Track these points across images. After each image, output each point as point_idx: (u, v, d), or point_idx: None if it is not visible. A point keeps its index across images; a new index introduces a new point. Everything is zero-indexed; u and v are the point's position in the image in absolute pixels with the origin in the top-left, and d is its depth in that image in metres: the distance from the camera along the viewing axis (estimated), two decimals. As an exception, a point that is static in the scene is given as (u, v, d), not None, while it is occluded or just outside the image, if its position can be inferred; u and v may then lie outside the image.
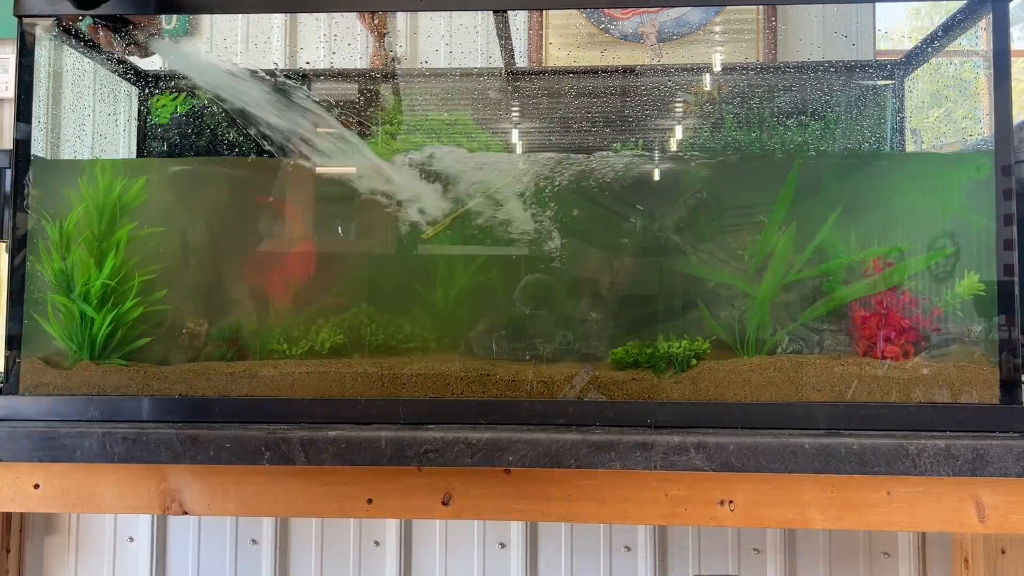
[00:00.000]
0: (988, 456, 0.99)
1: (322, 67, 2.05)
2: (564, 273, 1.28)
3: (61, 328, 1.22)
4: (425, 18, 2.09)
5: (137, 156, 1.54)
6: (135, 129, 1.59)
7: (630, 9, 2.07)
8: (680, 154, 1.43)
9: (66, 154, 1.49)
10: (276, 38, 2.11)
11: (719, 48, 2.07)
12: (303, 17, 2.10)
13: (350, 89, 1.57)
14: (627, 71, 1.64)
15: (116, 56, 1.45)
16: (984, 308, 1.15)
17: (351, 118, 1.35)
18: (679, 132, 1.54)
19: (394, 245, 1.32)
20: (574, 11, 2.09)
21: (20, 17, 1.21)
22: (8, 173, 1.21)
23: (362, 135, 1.35)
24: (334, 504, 1.11)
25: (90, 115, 1.56)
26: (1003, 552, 1.72)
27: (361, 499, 1.11)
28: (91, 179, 1.24)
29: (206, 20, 2.08)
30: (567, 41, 2.11)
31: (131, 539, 2.01)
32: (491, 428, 1.08)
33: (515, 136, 1.61)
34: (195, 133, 1.45)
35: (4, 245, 1.32)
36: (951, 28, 1.32)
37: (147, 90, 1.57)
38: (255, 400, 1.17)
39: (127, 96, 1.59)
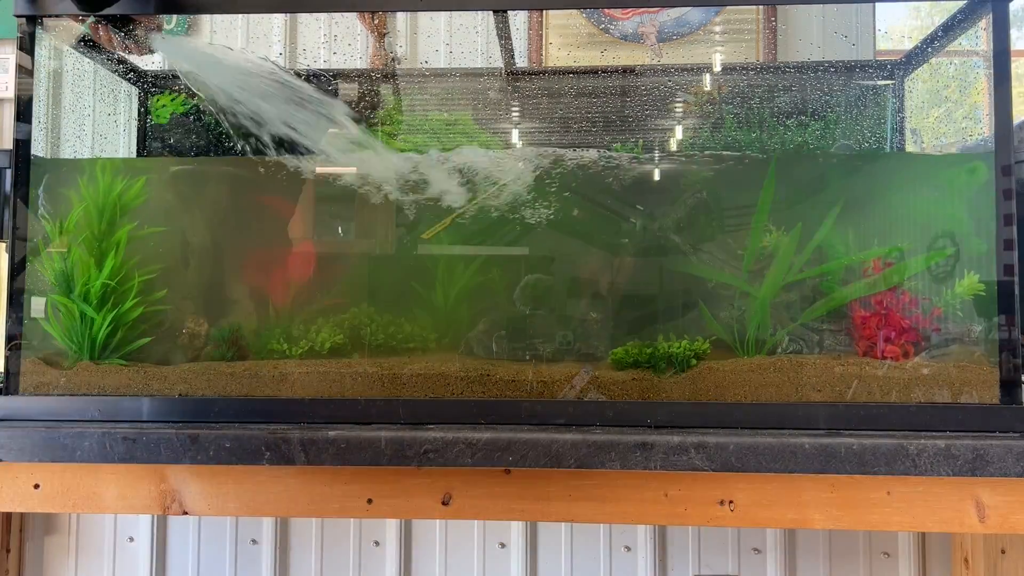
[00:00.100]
0: (988, 456, 0.99)
1: (322, 67, 2.05)
2: (564, 273, 1.28)
3: (61, 328, 1.22)
4: (425, 18, 2.09)
5: (137, 156, 1.54)
6: (135, 129, 1.59)
7: (630, 9, 2.07)
8: (680, 154, 1.43)
9: (66, 154, 1.49)
10: (276, 37, 2.11)
11: (719, 48, 2.07)
12: (303, 17, 2.10)
13: (350, 89, 1.57)
14: (627, 71, 1.64)
15: (116, 56, 1.46)
16: (984, 308, 1.15)
17: (363, 116, 1.34)
18: (679, 132, 1.54)
19: (394, 245, 1.32)
20: (574, 11, 2.09)
21: (20, 17, 1.21)
22: (8, 173, 1.21)
23: (372, 132, 1.35)
24: (334, 504, 1.11)
25: (90, 115, 1.56)
26: (1003, 552, 1.72)
27: (361, 499, 1.11)
28: (91, 178, 1.24)
29: (206, 20, 2.08)
30: (567, 41, 2.11)
31: (131, 539, 2.01)
32: (491, 428, 1.08)
33: (515, 136, 1.61)
34: (194, 132, 1.45)
35: (4, 245, 1.32)
36: (951, 28, 1.32)
37: (148, 90, 1.57)
38: (255, 400, 1.17)
39: (127, 96, 1.59)
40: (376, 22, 1.63)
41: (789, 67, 1.64)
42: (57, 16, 1.24)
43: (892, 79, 1.56)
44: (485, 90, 1.68)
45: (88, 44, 1.36)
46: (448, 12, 2.07)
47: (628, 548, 1.95)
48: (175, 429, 1.06)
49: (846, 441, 1.01)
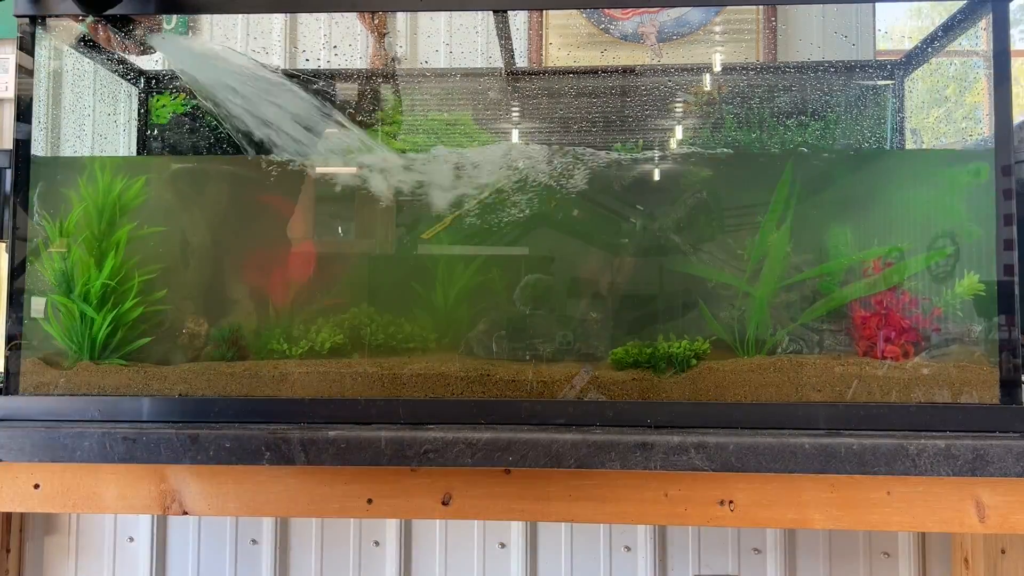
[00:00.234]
0: (988, 456, 0.99)
1: (322, 67, 2.05)
2: (564, 272, 1.28)
3: (61, 328, 1.22)
4: (425, 18, 2.10)
5: (137, 156, 1.54)
6: (135, 129, 1.59)
7: (630, 9, 2.07)
8: (680, 154, 1.43)
9: (66, 154, 1.49)
10: (276, 36, 2.11)
11: (719, 48, 2.07)
12: (303, 17, 2.10)
13: (350, 89, 1.57)
14: (627, 71, 1.64)
15: (116, 56, 1.46)
16: (984, 308, 1.15)
17: (364, 116, 1.34)
18: (679, 132, 1.54)
19: (394, 244, 1.32)
20: (574, 11, 2.09)
21: (20, 17, 1.21)
22: (8, 173, 1.21)
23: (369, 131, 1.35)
24: (334, 504, 1.11)
25: (90, 115, 1.56)
26: (1003, 552, 1.72)
27: (361, 499, 1.11)
28: (90, 178, 1.24)
29: (206, 21, 2.08)
30: (567, 41, 2.11)
31: (131, 539, 2.01)
32: (491, 428, 1.08)
33: (515, 136, 1.61)
34: (194, 132, 1.45)
35: (4, 245, 1.32)
36: (951, 28, 1.32)
37: (149, 90, 1.57)
38: (255, 400, 1.17)
39: (127, 96, 1.59)
40: (376, 22, 1.63)
41: (789, 67, 1.64)
42: (58, 16, 1.24)
43: (892, 79, 1.56)
44: (485, 90, 1.68)
45: (88, 44, 1.36)
46: (448, 12, 2.07)
47: (628, 548, 1.95)
48: (175, 429, 1.06)
49: (846, 441, 1.01)
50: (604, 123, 1.56)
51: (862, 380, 1.14)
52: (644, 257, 1.29)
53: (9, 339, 1.20)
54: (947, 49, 1.38)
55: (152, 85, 1.59)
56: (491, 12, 1.51)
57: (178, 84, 1.58)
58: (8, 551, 1.94)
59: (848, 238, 1.21)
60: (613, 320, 1.26)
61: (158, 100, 1.52)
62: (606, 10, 2.06)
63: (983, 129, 1.26)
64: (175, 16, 1.95)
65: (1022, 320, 1.12)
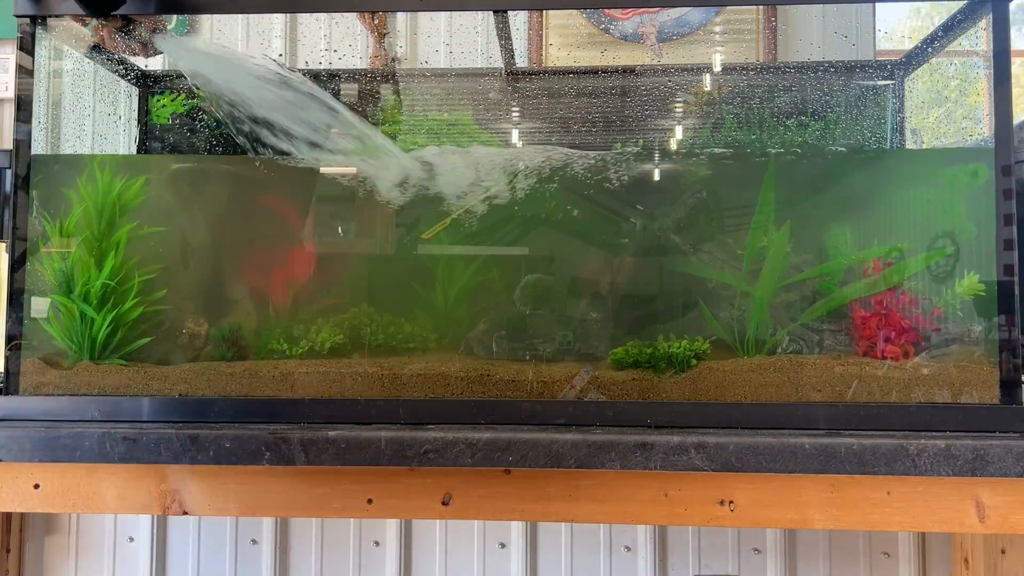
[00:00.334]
0: (988, 456, 0.99)
1: (321, 68, 2.05)
2: (564, 272, 1.28)
3: (61, 328, 1.22)
4: (425, 18, 2.10)
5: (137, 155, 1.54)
6: (135, 129, 1.59)
7: (630, 9, 2.07)
8: (680, 153, 1.43)
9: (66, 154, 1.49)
10: (276, 35, 2.11)
11: (719, 48, 2.07)
12: (303, 18, 2.10)
13: (351, 89, 1.57)
14: (627, 71, 1.64)
15: (116, 56, 1.46)
16: (984, 308, 1.15)
17: (364, 116, 1.34)
18: (679, 132, 1.54)
19: (394, 245, 1.32)
20: (574, 11, 2.09)
21: (20, 17, 1.21)
22: (8, 173, 1.21)
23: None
24: (334, 504, 1.11)
25: (90, 115, 1.56)
26: (1003, 552, 1.72)
27: (361, 499, 1.11)
28: (90, 178, 1.24)
29: (206, 21, 2.08)
30: (567, 41, 2.11)
31: (131, 539, 2.01)
32: (491, 428, 1.08)
33: (515, 136, 1.61)
34: (194, 132, 1.45)
35: (4, 245, 1.32)
36: (951, 28, 1.32)
37: (152, 89, 1.57)
38: (255, 400, 1.17)
39: (127, 96, 1.59)
40: (376, 22, 1.63)
41: (789, 67, 1.63)
42: (58, 16, 1.24)
43: (892, 79, 1.56)
44: (485, 90, 1.68)
45: (91, 47, 1.36)
46: (448, 12, 2.07)
47: (628, 548, 1.95)
48: (175, 429, 1.06)
49: (846, 441, 1.01)
50: (604, 123, 1.56)
51: (862, 380, 1.14)
52: (644, 257, 1.29)
53: (9, 339, 1.20)
54: (947, 49, 1.38)
55: (152, 85, 1.59)
56: (491, 12, 1.51)
57: (179, 84, 1.58)
58: (8, 551, 1.94)
59: (847, 238, 1.21)
60: (613, 320, 1.26)
61: (158, 100, 1.52)
62: (606, 10, 2.06)
63: (983, 129, 1.26)
64: (175, 16, 1.95)
65: (1022, 320, 1.12)
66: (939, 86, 1.51)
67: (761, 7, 2.06)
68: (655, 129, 1.55)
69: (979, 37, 1.28)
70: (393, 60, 1.66)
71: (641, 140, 1.44)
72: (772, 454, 1.01)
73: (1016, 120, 1.14)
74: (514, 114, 1.67)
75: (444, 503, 1.10)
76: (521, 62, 2.09)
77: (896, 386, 1.14)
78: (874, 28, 1.96)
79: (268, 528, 1.98)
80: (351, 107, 1.33)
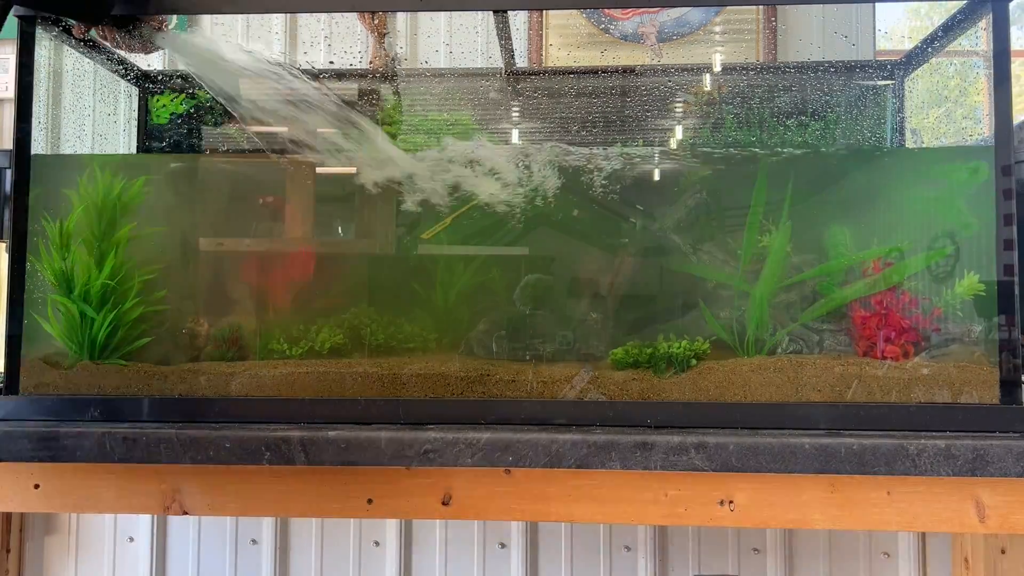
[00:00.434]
0: (988, 456, 0.99)
1: (321, 67, 2.05)
2: (564, 272, 1.28)
3: (61, 328, 1.22)
4: (425, 18, 2.10)
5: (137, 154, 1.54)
6: (135, 128, 1.59)
7: (630, 9, 2.07)
8: (680, 153, 1.43)
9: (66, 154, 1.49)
10: (276, 34, 2.11)
11: (719, 48, 2.07)
12: (303, 18, 2.10)
13: (350, 89, 1.57)
14: (627, 71, 1.64)
15: (116, 56, 1.45)
16: (984, 308, 1.15)
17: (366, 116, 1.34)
18: (679, 132, 1.54)
19: (394, 244, 1.32)
20: (574, 11, 2.09)
21: (20, 17, 1.21)
22: (8, 173, 1.21)
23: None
24: (334, 504, 1.11)
25: (90, 115, 1.56)
26: (1003, 552, 1.72)
27: (361, 499, 1.11)
28: (90, 177, 1.24)
29: (206, 21, 2.08)
30: (567, 41, 2.11)
31: (131, 539, 2.01)
32: (491, 428, 1.08)
33: (515, 136, 1.61)
34: (192, 131, 1.45)
35: (4, 245, 1.32)
36: (951, 28, 1.32)
37: (149, 89, 1.57)
38: (255, 400, 1.17)
39: (127, 96, 1.59)
40: (376, 22, 1.63)
41: (789, 67, 1.63)
42: (58, 16, 1.24)
43: (892, 79, 1.56)
44: (485, 90, 1.68)
45: (89, 45, 1.36)
46: (448, 12, 2.07)
47: (628, 548, 1.95)
48: (175, 429, 1.06)
49: (846, 441, 1.01)
50: (604, 123, 1.56)
51: (862, 380, 1.14)
52: (644, 257, 1.29)
53: (9, 339, 1.20)
54: (947, 49, 1.38)
55: (151, 84, 1.59)
56: (491, 12, 1.51)
57: (179, 84, 1.58)
58: (8, 551, 1.94)
59: (847, 238, 1.21)
60: (613, 320, 1.26)
61: (158, 100, 1.52)
62: (606, 10, 2.06)
63: (983, 129, 1.26)
64: (174, 16, 1.95)
65: (1022, 320, 1.11)
66: (939, 86, 1.51)
67: (761, 7, 2.06)
68: (655, 129, 1.55)
69: (979, 37, 1.28)
70: (393, 60, 1.66)
71: (641, 140, 1.44)
72: (772, 454, 1.01)
73: (1016, 120, 1.14)
74: (514, 114, 1.67)
75: (444, 503, 1.10)
76: (521, 62, 2.09)
77: (896, 386, 1.14)
78: (874, 28, 1.96)
79: (268, 528, 1.98)
80: (350, 107, 1.34)
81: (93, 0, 1.18)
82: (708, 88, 1.53)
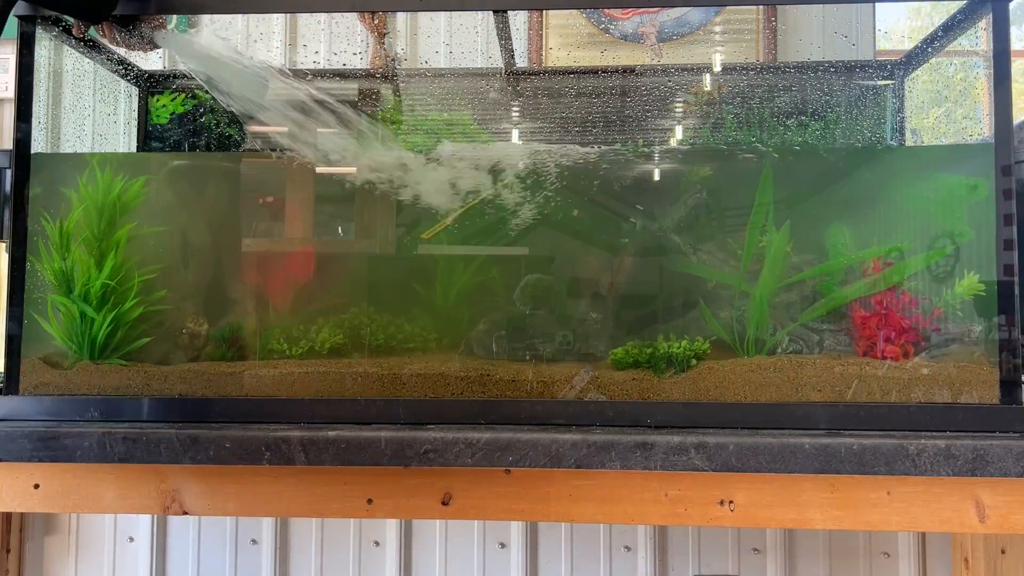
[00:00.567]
0: (988, 456, 0.99)
1: (321, 67, 2.05)
2: (564, 272, 1.28)
3: (61, 328, 1.22)
4: (425, 18, 2.10)
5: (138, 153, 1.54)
6: (135, 128, 1.59)
7: (630, 9, 2.07)
8: (680, 153, 1.43)
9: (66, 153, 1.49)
10: (276, 34, 2.10)
11: (719, 48, 2.07)
12: (303, 18, 2.10)
13: (350, 89, 1.57)
14: (627, 71, 1.64)
15: (116, 56, 1.46)
16: (984, 307, 1.15)
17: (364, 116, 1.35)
18: (679, 132, 1.54)
19: (394, 244, 1.32)
20: (574, 11, 2.09)
21: (20, 17, 1.21)
22: (8, 173, 1.21)
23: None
24: (334, 504, 1.11)
25: (90, 115, 1.56)
26: (1003, 552, 1.72)
27: (361, 499, 1.11)
28: (91, 178, 1.24)
29: (206, 21, 2.08)
30: (567, 41, 2.11)
31: (131, 539, 2.01)
32: (491, 428, 1.08)
33: (515, 136, 1.61)
34: (194, 132, 1.46)
35: (4, 245, 1.32)
36: (951, 28, 1.32)
37: (154, 87, 1.57)
38: (255, 400, 1.17)
39: (127, 96, 1.59)
40: (376, 22, 1.63)
41: (789, 67, 1.63)
42: (58, 16, 1.24)
43: (892, 79, 1.56)
44: (485, 90, 1.68)
45: (89, 44, 1.36)
46: (448, 12, 2.07)
47: (628, 548, 1.95)
48: (175, 429, 1.06)
49: (846, 441, 1.01)
50: (604, 123, 1.56)
51: (862, 380, 1.14)
52: (644, 257, 1.29)
53: (9, 339, 1.20)
54: (947, 49, 1.38)
55: (153, 84, 1.59)
56: (491, 12, 1.51)
57: (180, 83, 1.58)
58: (8, 551, 1.94)
59: (846, 237, 1.21)
60: (613, 320, 1.26)
61: (158, 100, 1.52)
62: (606, 10, 2.06)
63: (983, 129, 1.26)
64: (174, 16, 1.95)
65: (1022, 320, 1.11)
66: (939, 86, 1.51)
67: (761, 7, 2.06)
68: (655, 129, 1.55)
69: (979, 37, 1.28)
70: (393, 60, 1.66)
71: (641, 140, 1.44)
72: (772, 454, 1.01)
73: (1016, 120, 1.14)
74: (514, 114, 1.67)
75: (444, 503, 1.10)
76: (521, 62, 2.09)
77: (896, 386, 1.14)
78: (874, 28, 1.96)
79: (268, 528, 1.98)
80: (350, 107, 1.34)
81: None
82: (708, 88, 1.53)
